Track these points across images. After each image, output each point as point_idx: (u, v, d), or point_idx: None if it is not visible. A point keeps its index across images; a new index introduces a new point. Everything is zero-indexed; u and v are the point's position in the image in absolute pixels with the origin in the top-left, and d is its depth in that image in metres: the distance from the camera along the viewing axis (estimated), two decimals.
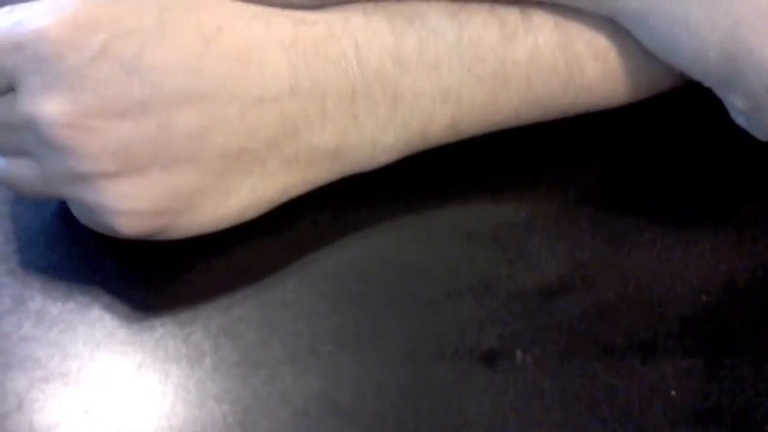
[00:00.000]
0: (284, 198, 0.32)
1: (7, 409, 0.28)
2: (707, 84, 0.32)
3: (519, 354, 0.29)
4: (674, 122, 0.37)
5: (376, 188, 0.34)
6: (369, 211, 0.34)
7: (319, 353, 0.30)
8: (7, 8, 0.29)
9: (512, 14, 0.33)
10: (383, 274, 0.32)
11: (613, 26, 0.33)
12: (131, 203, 0.29)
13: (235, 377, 0.29)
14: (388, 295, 0.31)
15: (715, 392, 0.28)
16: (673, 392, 0.28)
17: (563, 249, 0.33)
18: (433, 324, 0.30)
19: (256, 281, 0.31)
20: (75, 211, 0.31)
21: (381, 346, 0.30)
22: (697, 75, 0.32)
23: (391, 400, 0.28)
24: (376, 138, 0.32)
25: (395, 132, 0.33)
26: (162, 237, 0.31)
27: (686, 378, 0.29)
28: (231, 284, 0.31)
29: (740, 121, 0.33)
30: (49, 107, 0.28)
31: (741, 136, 0.33)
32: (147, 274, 0.32)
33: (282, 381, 0.29)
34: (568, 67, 0.33)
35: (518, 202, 0.34)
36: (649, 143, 0.37)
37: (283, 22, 0.31)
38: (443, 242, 0.33)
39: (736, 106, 0.32)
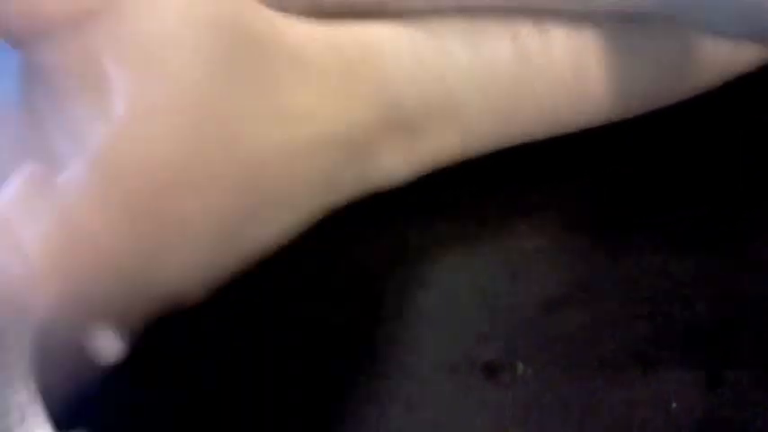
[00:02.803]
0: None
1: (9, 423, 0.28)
2: None
3: (520, 366, 0.29)
4: (673, 136, 0.38)
5: (379, 199, 0.34)
6: (369, 222, 0.34)
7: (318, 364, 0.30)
8: None
9: (525, 28, 0.33)
10: (382, 286, 0.32)
11: (624, 41, 0.33)
12: None
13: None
14: (386, 307, 0.31)
15: (716, 405, 0.28)
16: (674, 405, 0.28)
17: (564, 262, 0.33)
18: (434, 336, 0.30)
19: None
20: None
21: (382, 360, 0.30)
22: None
23: (392, 413, 0.29)
24: (389, 167, 0.33)
25: (408, 169, 0.33)
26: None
27: (687, 391, 0.29)
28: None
29: None
30: None
31: (739, 149, 0.33)
32: None
33: None
34: (578, 83, 0.33)
35: (519, 214, 0.35)
36: (649, 157, 0.37)
37: None
38: (445, 254, 0.33)
39: None
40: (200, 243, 0.27)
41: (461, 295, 0.32)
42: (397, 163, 0.33)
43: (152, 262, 0.25)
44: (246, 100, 0.28)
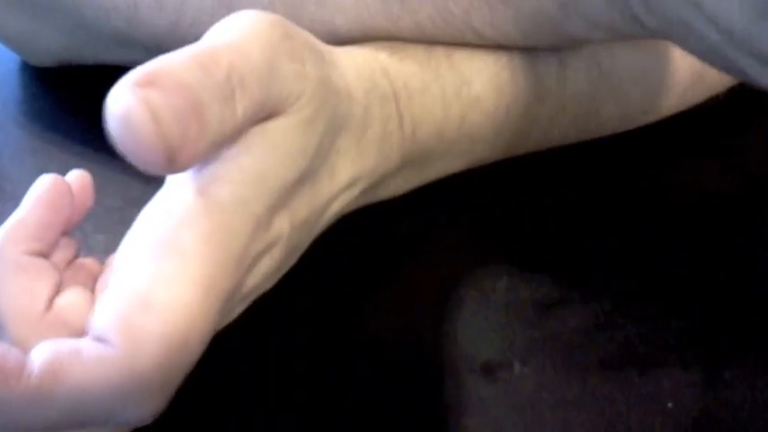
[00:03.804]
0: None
1: None
2: None
3: (517, 365, 0.29)
4: (669, 145, 0.38)
5: (382, 203, 0.34)
6: (373, 223, 0.34)
7: (322, 365, 0.30)
8: None
9: (550, 68, 0.33)
10: (381, 288, 0.32)
11: (637, 69, 0.34)
12: None
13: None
14: (386, 307, 0.31)
15: (712, 405, 0.28)
16: (670, 405, 0.28)
17: (562, 262, 0.33)
18: (434, 335, 0.30)
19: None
20: None
21: (380, 359, 0.30)
22: None
23: (393, 411, 0.28)
24: (398, 189, 0.34)
25: (413, 184, 0.34)
26: None
27: (683, 390, 0.29)
28: None
29: None
30: None
31: (731, 152, 0.34)
32: None
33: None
34: (588, 112, 0.34)
35: (518, 216, 0.35)
36: (647, 165, 0.37)
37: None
38: (443, 254, 0.33)
39: None
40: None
41: (460, 295, 0.32)
42: (405, 184, 0.34)
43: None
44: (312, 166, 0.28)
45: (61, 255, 0.26)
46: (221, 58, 0.24)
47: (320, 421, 0.28)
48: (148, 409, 0.23)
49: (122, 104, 0.21)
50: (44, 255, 0.25)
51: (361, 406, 0.29)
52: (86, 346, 0.22)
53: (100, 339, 0.22)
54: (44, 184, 0.26)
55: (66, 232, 0.26)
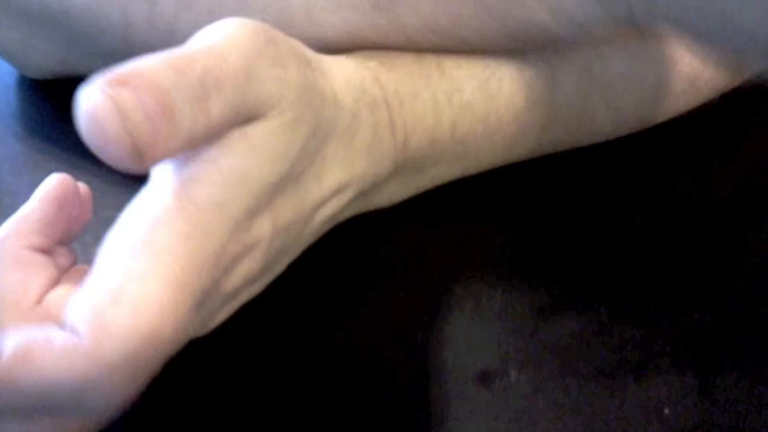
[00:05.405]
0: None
1: None
2: None
3: (513, 373, 0.30)
4: (666, 147, 0.38)
5: (373, 213, 0.34)
6: (364, 230, 0.34)
7: (319, 373, 0.30)
8: None
9: (541, 73, 0.33)
10: (376, 297, 0.32)
11: (629, 75, 0.34)
12: None
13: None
14: (381, 316, 0.31)
15: (708, 411, 0.28)
16: (666, 411, 0.28)
17: (557, 269, 0.33)
18: (429, 344, 0.31)
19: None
20: None
21: (375, 368, 0.30)
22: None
23: (388, 420, 0.29)
24: (393, 197, 0.34)
25: (408, 193, 0.34)
26: None
27: (679, 397, 0.29)
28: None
29: None
30: None
31: (731, 152, 0.33)
32: None
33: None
34: (580, 119, 0.34)
35: (513, 222, 0.35)
36: (644, 168, 0.37)
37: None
38: (439, 263, 0.33)
39: None
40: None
41: (455, 304, 0.32)
42: (399, 192, 0.34)
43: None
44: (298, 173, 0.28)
45: (60, 262, 0.26)
46: (196, 61, 0.24)
47: (317, 428, 0.28)
48: (116, 400, 0.23)
49: (90, 101, 0.22)
50: (46, 251, 0.26)
51: (357, 416, 0.29)
52: (57, 335, 0.23)
53: (72, 330, 0.23)
54: (52, 181, 0.27)
55: (65, 243, 0.27)
